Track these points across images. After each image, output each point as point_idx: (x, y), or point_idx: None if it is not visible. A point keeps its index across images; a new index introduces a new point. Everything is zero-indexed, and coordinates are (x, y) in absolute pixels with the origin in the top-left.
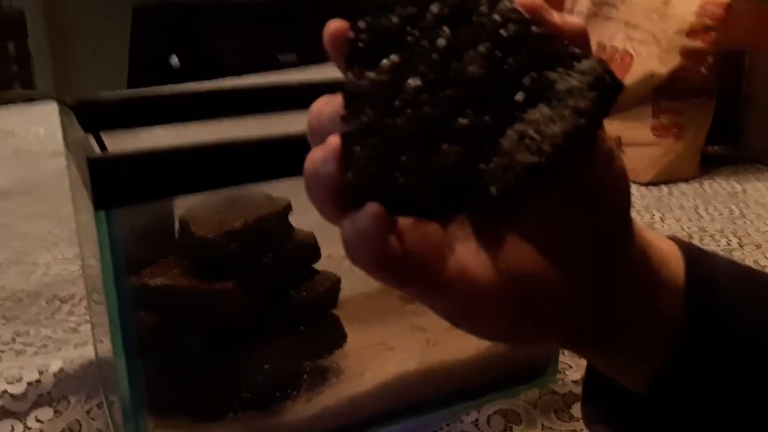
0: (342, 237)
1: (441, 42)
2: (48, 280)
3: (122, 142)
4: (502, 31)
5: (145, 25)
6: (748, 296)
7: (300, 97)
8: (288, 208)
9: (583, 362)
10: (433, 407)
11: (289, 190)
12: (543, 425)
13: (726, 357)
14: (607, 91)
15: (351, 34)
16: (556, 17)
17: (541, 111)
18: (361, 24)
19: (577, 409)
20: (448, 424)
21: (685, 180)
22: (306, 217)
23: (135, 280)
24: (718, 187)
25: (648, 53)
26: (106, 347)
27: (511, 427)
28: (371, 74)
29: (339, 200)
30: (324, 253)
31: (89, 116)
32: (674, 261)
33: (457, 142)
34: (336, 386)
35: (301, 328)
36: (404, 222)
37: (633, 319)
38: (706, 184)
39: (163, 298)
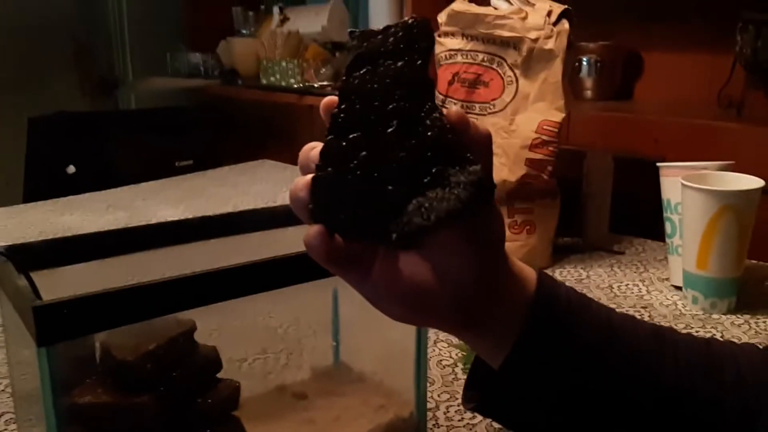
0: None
1: (389, 130)
2: None
3: (49, 280)
4: (428, 133)
5: (40, 136)
6: (577, 310)
7: (197, 230)
8: (193, 327)
9: None
10: None
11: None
12: None
13: (554, 348)
14: (483, 190)
15: (334, 110)
16: (471, 128)
17: (437, 192)
18: (343, 106)
19: None
20: None
21: (541, 269)
22: (208, 337)
23: (66, 400)
24: (568, 274)
25: (500, 164)
26: None
27: None
28: (339, 141)
29: (306, 214)
30: (225, 357)
31: (19, 259)
32: (531, 282)
33: (382, 200)
34: None
35: (208, 431)
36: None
37: (498, 317)
38: (558, 271)
39: (91, 414)
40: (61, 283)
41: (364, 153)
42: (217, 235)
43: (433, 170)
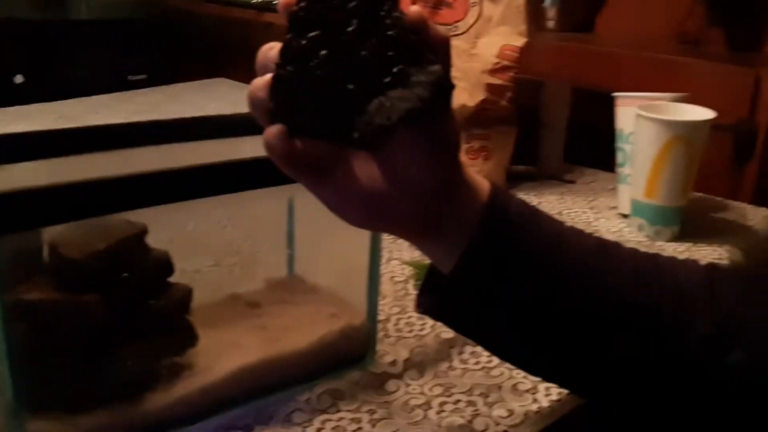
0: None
1: (349, 29)
2: None
3: None
4: (389, 32)
5: None
6: (527, 221)
7: (150, 134)
8: (144, 231)
9: (395, 348)
10: (272, 391)
11: (146, 216)
12: (363, 400)
13: (502, 257)
14: (443, 89)
15: (294, 8)
16: (430, 29)
17: (398, 92)
18: (303, 4)
19: (390, 385)
20: (285, 405)
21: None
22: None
23: (12, 295)
24: None
25: (460, 88)
26: None
27: (337, 403)
28: (299, 40)
29: (266, 115)
30: (178, 267)
31: None
32: (485, 192)
33: (343, 99)
34: (189, 379)
35: (159, 332)
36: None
37: (452, 224)
38: None
39: (37, 311)
40: (6, 180)
41: (324, 52)
42: (170, 140)
43: (394, 70)
